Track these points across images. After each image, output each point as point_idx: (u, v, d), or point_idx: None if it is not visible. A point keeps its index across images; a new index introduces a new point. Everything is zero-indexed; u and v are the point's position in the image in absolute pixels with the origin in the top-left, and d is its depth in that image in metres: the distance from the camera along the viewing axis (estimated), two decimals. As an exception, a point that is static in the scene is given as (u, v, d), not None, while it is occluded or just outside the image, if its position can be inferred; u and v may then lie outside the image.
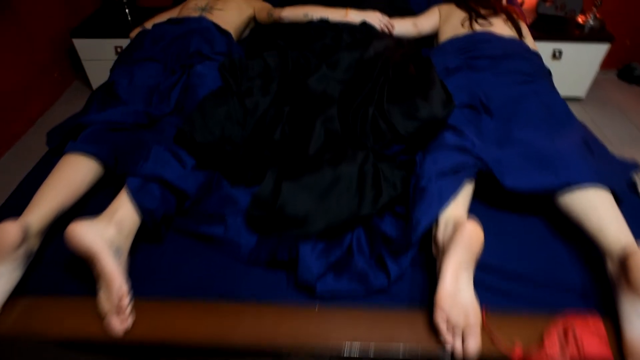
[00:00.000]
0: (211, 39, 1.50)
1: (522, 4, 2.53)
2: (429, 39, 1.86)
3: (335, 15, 1.65)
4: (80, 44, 2.44)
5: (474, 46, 1.42)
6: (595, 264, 0.95)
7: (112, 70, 1.61)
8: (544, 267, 0.96)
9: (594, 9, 2.39)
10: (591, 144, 1.16)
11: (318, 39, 1.44)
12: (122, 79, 1.41)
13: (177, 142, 1.13)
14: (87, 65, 2.54)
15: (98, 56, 2.47)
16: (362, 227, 1.01)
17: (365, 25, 1.59)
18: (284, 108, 1.17)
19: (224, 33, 1.61)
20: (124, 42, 2.34)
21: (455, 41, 1.50)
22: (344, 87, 1.27)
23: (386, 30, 1.66)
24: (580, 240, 1.01)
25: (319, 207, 0.97)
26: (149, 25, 1.93)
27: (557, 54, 2.36)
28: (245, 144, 1.13)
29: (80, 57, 2.50)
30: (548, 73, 1.45)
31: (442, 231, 0.89)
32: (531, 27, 2.34)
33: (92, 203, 1.13)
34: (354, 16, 1.64)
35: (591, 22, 2.40)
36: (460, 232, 0.83)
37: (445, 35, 1.73)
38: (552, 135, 1.15)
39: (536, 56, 1.48)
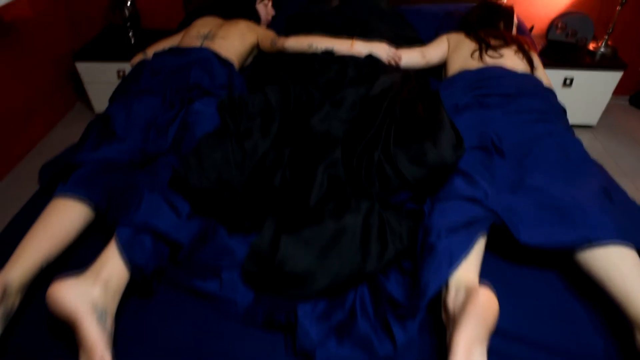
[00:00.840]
0: (211, 71, 1.46)
1: (531, 30, 2.48)
2: (437, 68, 1.81)
3: (341, 46, 1.60)
4: (82, 67, 2.42)
5: (485, 83, 1.37)
6: (620, 327, 0.88)
7: (110, 101, 1.57)
8: (563, 333, 0.89)
9: (606, 36, 2.33)
10: (611, 192, 1.09)
11: (322, 73, 1.39)
12: (119, 112, 1.37)
13: (172, 186, 1.07)
14: (89, 88, 2.52)
15: (101, 79, 2.45)
16: (366, 284, 0.94)
17: (371, 57, 1.54)
18: (284, 150, 1.11)
19: (225, 64, 1.56)
20: (126, 66, 2.32)
21: (466, 75, 1.44)
22: (349, 127, 1.22)
23: (393, 62, 1.60)
24: (603, 299, 0.93)
25: (320, 264, 0.90)
26: (150, 51, 1.90)
27: (567, 81, 2.30)
28: (244, 189, 1.07)
29: (83, 80, 2.48)
30: (563, 111, 1.38)
31: (453, 297, 0.82)
32: (541, 54, 2.29)
33: (82, 249, 1.08)
34: (360, 47, 1.59)
35: (603, 49, 2.34)
36: (473, 301, 0.76)
37: (455, 66, 1.67)
38: (569, 182, 1.08)
39: (550, 93, 1.41)
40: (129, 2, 2.40)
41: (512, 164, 1.20)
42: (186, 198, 1.06)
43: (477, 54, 1.65)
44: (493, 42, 1.69)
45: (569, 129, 1.32)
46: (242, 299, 0.93)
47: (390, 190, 1.06)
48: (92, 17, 2.60)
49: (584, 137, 2.50)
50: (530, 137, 1.23)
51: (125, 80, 1.54)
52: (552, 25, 2.34)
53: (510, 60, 1.62)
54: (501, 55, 1.63)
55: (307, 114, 1.21)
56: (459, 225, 0.93)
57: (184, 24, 2.23)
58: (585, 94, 2.36)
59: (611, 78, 2.30)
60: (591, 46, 2.38)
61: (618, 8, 2.25)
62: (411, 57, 1.67)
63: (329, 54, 1.57)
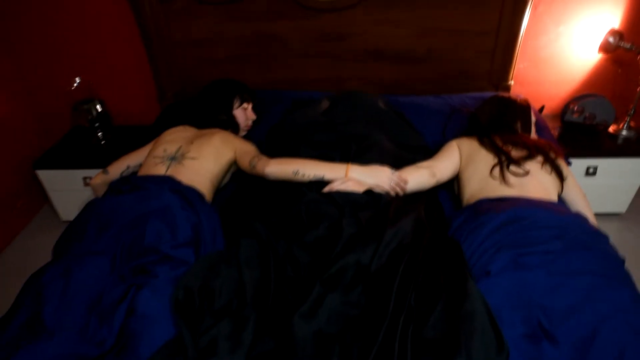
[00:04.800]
0: (174, 223, 1.17)
1: (541, 111, 2.25)
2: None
3: (333, 172, 1.32)
4: (44, 175, 2.15)
5: (521, 236, 1.07)
6: None
7: (53, 252, 1.28)
8: None
9: (627, 118, 2.09)
10: None
11: (311, 227, 1.09)
12: (55, 284, 1.07)
13: None
14: (53, 196, 2.24)
15: (65, 187, 2.18)
16: None
17: (371, 194, 1.25)
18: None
19: (192, 205, 1.27)
20: (93, 173, 2.05)
21: (492, 220, 1.13)
22: (348, 314, 0.91)
23: (398, 190, 1.32)
24: None
25: None
26: (112, 169, 1.64)
27: (591, 170, 2.04)
28: None
29: (46, 188, 2.20)
30: (622, 263, 1.08)
31: None
32: (559, 140, 2.05)
33: None
34: (356, 175, 1.31)
35: (625, 132, 2.09)
36: None
37: (472, 186, 1.39)
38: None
39: (602, 238, 1.12)
40: (97, 105, 2.15)
41: (569, 355, 0.89)
42: None
43: (497, 170, 1.38)
44: (514, 153, 1.42)
45: (638, 295, 1.01)
46: None
47: None
48: (59, 118, 2.36)
49: (613, 227, 2.22)
50: (591, 316, 0.93)
51: (70, 232, 1.25)
52: (568, 108, 2.10)
53: (538, 179, 1.35)
54: (526, 172, 1.35)
55: (290, 307, 0.90)
56: None
57: (160, 123, 1.99)
58: (611, 182, 2.09)
59: (638, 165, 2.04)
60: (611, 128, 2.13)
61: (639, 89, 2.02)
62: (419, 180, 1.39)
63: (318, 185, 1.29)
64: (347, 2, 1.93)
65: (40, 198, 2.44)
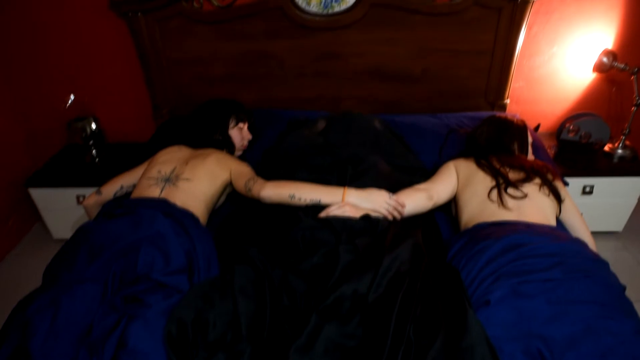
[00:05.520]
0: (167, 250, 1.14)
1: (537, 129, 2.26)
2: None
3: (330, 196, 1.30)
4: (37, 193, 2.12)
5: (522, 263, 1.05)
6: None
7: (43, 277, 1.24)
8: None
9: (622, 137, 2.10)
10: None
11: (307, 254, 1.07)
12: (43, 316, 1.04)
13: None
14: (45, 215, 2.21)
15: (58, 206, 2.15)
16: None
17: (368, 220, 1.23)
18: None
19: (185, 228, 1.25)
20: (87, 192, 2.03)
21: (491, 247, 1.12)
22: (345, 346, 0.89)
23: (396, 214, 1.30)
24: None
25: None
26: (106, 190, 1.61)
27: (587, 189, 2.04)
28: None
29: (38, 206, 2.17)
30: (622, 291, 1.07)
31: None
32: (555, 159, 2.05)
33: None
34: (353, 199, 1.29)
35: (620, 150, 2.10)
36: None
37: (469, 209, 1.38)
38: None
39: (603, 265, 1.10)
40: (92, 122, 2.14)
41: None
42: None
43: (495, 193, 1.37)
44: (512, 175, 1.42)
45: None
46: None
47: None
48: (53, 135, 2.33)
49: (610, 246, 2.21)
50: (593, 348, 0.91)
51: (60, 257, 1.22)
52: (564, 127, 2.11)
53: (536, 202, 1.34)
54: (524, 195, 1.35)
55: (286, 338, 0.88)
56: None
57: (154, 141, 1.97)
58: (608, 201, 2.09)
59: (636, 184, 2.04)
60: (607, 147, 2.14)
61: (633, 109, 2.03)
62: (416, 203, 1.37)
63: (314, 209, 1.27)
64: (343, 22, 1.93)
65: (32, 216, 2.41)
